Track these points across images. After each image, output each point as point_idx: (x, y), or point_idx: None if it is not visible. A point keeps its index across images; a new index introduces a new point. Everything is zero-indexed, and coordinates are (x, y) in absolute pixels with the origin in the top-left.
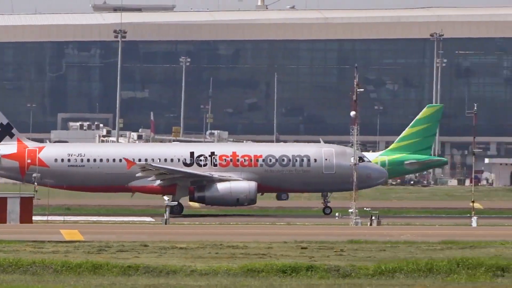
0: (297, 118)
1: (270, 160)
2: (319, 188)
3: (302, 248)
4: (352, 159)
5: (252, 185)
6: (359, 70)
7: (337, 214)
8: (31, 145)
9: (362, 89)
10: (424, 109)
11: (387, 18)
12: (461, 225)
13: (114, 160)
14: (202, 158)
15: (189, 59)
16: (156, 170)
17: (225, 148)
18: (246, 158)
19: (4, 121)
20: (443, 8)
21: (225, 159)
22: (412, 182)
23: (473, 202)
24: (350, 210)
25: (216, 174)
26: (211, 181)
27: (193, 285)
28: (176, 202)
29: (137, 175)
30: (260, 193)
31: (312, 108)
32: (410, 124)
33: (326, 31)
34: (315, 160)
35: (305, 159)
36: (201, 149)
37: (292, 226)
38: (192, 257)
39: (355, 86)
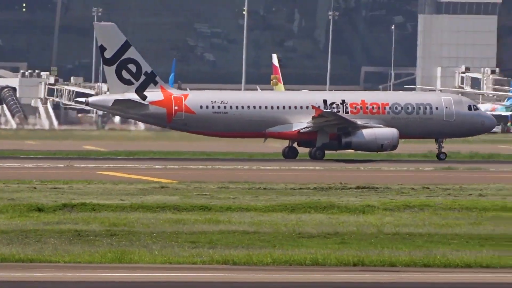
0: None
1: (396, 108)
2: (439, 135)
3: None
4: (467, 107)
5: (394, 131)
6: None
7: None
8: (175, 92)
9: None
10: None
11: None
12: None
13: (254, 107)
14: (334, 105)
15: None
16: (333, 117)
17: (354, 96)
18: (375, 105)
19: (148, 69)
20: None
21: (355, 107)
22: None
23: None
24: None
25: (359, 121)
26: (356, 127)
27: None
28: None
29: (308, 122)
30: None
31: None
32: None
33: None
34: (437, 108)
35: (427, 107)
36: (333, 96)
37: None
38: None
39: None
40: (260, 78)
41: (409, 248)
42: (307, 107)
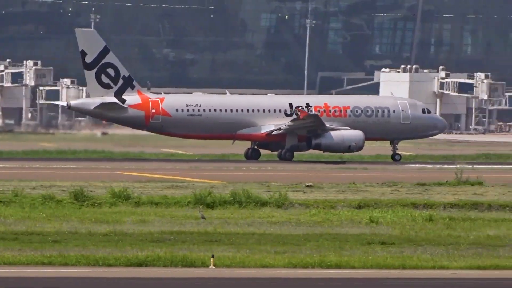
0: None
1: (357, 111)
2: (396, 137)
3: None
4: (421, 110)
5: (360, 133)
6: None
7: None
8: (151, 96)
9: None
10: None
11: None
12: None
13: (226, 110)
14: (300, 109)
15: None
16: (313, 119)
17: (318, 100)
18: (337, 109)
19: (126, 73)
20: None
21: (319, 110)
22: None
23: None
24: None
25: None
26: (324, 130)
27: None
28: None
29: (286, 124)
30: None
31: None
32: None
33: None
34: (394, 111)
35: (385, 110)
36: (298, 100)
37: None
38: None
39: None
40: None
41: None
42: (274, 111)
